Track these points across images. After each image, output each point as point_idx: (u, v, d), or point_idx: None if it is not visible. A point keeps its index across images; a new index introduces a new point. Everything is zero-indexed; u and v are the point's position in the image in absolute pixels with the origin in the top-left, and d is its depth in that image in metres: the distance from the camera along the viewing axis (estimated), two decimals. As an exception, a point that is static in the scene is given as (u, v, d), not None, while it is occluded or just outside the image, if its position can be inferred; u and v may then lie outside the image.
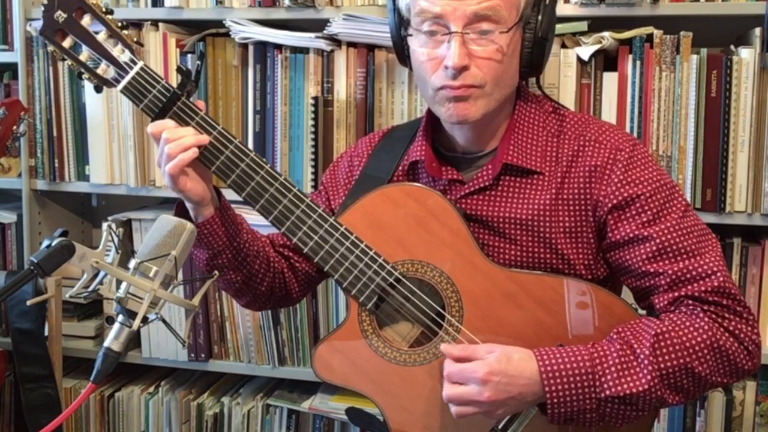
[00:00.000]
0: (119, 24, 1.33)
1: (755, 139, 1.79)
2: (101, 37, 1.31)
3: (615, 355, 1.19)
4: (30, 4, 2.14)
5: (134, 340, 2.04)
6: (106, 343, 1.05)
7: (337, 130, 1.99)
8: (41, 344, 2.11)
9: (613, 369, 1.18)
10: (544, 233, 1.30)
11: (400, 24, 1.32)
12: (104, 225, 1.90)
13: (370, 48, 1.95)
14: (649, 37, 1.81)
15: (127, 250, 1.12)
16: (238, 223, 1.39)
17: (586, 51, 1.82)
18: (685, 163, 1.81)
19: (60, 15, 1.30)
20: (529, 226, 1.30)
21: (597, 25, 1.85)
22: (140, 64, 1.32)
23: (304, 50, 1.99)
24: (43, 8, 1.31)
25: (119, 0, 2.12)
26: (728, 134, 1.79)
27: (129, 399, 2.24)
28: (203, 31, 2.06)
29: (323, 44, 1.95)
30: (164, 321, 1.08)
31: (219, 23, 2.02)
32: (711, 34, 1.89)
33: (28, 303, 2.02)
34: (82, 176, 2.17)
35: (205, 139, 1.31)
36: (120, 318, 1.06)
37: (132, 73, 1.31)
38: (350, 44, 1.96)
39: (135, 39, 1.33)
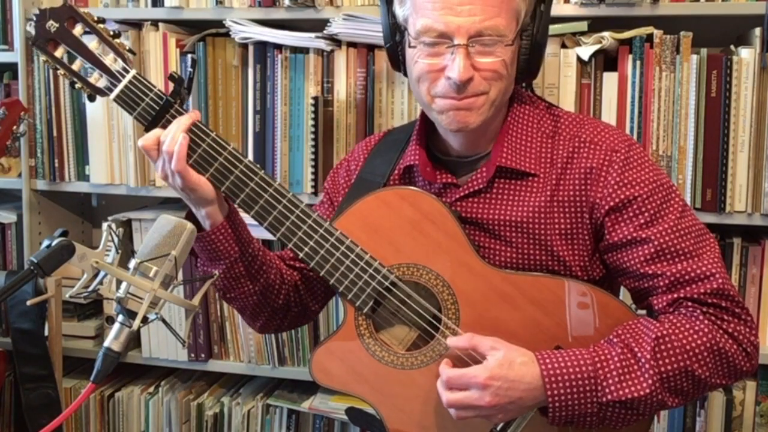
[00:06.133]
0: (111, 33, 1.33)
1: (755, 139, 1.79)
2: (93, 46, 1.32)
3: (616, 359, 1.19)
4: (30, 4, 2.14)
5: (134, 340, 2.04)
6: (106, 343, 1.05)
7: (337, 130, 1.99)
8: (41, 344, 2.11)
9: (614, 373, 1.18)
10: (539, 235, 1.30)
11: (396, 31, 1.31)
12: (104, 225, 1.91)
13: (370, 48, 1.95)
14: (649, 37, 1.81)
15: (127, 250, 1.12)
16: (248, 229, 1.38)
17: (586, 51, 1.82)
18: (685, 163, 1.81)
19: (52, 25, 1.30)
20: (524, 227, 1.30)
21: (597, 25, 1.85)
22: (132, 72, 1.31)
23: (304, 50, 1.99)
24: (34, 19, 1.31)
25: (119, 0, 2.12)
26: (728, 134, 1.79)
27: (129, 399, 2.25)
28: (203, 31, 2.06)
29: (323, 44, 1.95)
30: (164, 321, 1.08)
31: (219, 23, 2.02)
32: (711, 34, 1.89)
33: (28, 303, 2.02)
34: (82, 176, 2.17)
35: (185, 119, 1.29)
36: (120, 318, 1.06)
37: (124, 81, 1.30)
38: (350, 44, 1.96)
39: (127, 47, 1.33)
